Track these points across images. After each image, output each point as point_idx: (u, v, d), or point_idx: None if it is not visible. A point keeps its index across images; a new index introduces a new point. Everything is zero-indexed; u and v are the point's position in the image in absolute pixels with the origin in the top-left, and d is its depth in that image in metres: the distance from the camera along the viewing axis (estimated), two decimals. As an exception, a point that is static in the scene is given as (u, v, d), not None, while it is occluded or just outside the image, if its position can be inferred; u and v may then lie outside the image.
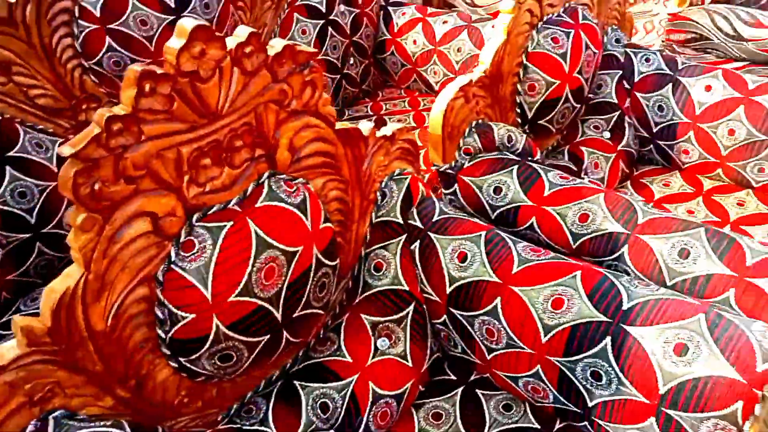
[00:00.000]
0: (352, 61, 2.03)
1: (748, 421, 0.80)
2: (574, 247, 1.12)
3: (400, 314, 1.03)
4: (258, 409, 0.91)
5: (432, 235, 1.04)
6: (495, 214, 1.20)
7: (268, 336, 0.83)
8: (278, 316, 0.83)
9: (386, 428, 1.01)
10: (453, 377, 1.11)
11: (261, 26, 1.81)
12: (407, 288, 1.04)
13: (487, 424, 1.02)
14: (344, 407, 0.96)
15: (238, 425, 0.88)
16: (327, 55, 1.92)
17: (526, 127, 1.41)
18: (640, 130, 1.67)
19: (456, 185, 1.23)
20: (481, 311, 0.98)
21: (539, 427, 1.01)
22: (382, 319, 1.03)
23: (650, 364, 0.84)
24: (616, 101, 1.62)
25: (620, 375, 0.86)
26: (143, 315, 0.74)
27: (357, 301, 1.04)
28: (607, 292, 0.90)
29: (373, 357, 1.01)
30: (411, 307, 1.04)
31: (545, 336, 0.92)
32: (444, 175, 1.24)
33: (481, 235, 1.03)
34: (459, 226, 1.05)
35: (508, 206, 1.18)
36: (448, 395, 1.08)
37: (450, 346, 1.09)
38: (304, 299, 0.86)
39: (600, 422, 0.92)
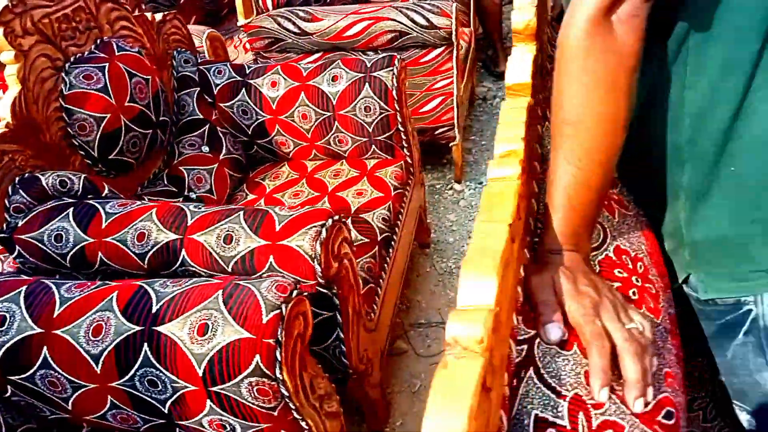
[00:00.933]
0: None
1: (276, 368, 0.91)
2: (146, 267, 1.15)
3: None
4: None
5: (-33, 309, 0.98)
6: (67, 260, 1.17)
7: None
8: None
9: None
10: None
11: None
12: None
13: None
14: None
15: None
16: None
17: (100, 165, 1.40)
18: (239, 136, 1.80)
19: (17, 247, 1.17)
20: (36, 367, 0.95)
21: None
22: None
23: (183, 352, 0.89)
24: (202, 116, 1.71)
25: (168, 374, 0.91)
26: None
27: None
28: (139, 302, 0.95)
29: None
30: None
31: (97, 366, 0.93)
32: (3, 242, 1.17)
33: (21, 291, 0.99)
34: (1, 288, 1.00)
35: (74, 250, 1.16)
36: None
37: (40, 412, 1.03)
38: None
39: (183, 423, 0.97)
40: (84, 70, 1.34)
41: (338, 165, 1.80)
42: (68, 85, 1.32)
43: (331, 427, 1.04)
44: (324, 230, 1.11)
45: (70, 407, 0.98)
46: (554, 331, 0.60)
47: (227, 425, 0.93)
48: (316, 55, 2.16)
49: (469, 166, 2.45)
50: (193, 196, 1.59)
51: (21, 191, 1.18)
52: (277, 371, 0.90)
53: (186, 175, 1.61)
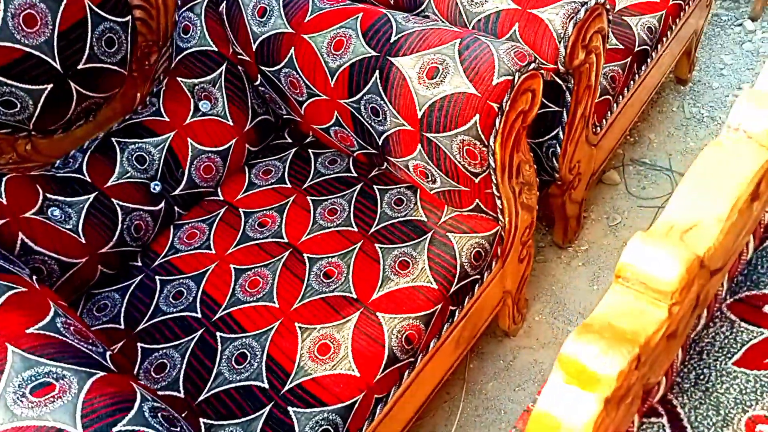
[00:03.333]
0: None
1: (491, 135, 0.87)
2: (392, 3, 1.13)
3: (213, 74, 1.08)
4: (74, 161, 1.00)
5: (236, -6, 1.06)
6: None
7: (52, 85, 0.89)
8: (56, 65, 0.88)
9: (214, 181, 1.11)
10: (289, 140, 1.20)
11: None
12: (216, 48, 1.08)
13: (310, 176, 1.12)
14: (162, 160, 1.05)
15: (52, 173, 0.97)
16: None
17: None
18: None
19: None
20: (282, 63, 1.03)
21: (356, 175, 1.10)
22: (197, 80, 1.08)
23: (409, 90, 0.89)
24: None
25: (390, 106, 0.93)
26: None
27: (173, 65, 1.08)
28: (380, 28, 0.94)
29: (193, 117, 1.08)
30: (223, 68, 1.09)
31: (332, 79, 0.98)
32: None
33: (281, -11, 1.04)
34: (262, -16, 1.06)
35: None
36: (281, 155, 1.17)
37: (277, 108, 1.16)
38: (86, 52, 0.91)
39: (391, 159, 1.01)
40: None
41: (618, -43, 1.53)
42: None
43: (522, 217, 1.02)
44: (583, 10, 0.97)
45: (302, 111, 1.08)
46: None
47: (429, 174, 0.95)
48: None
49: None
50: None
51: None
52: (491, 138, 0.87)
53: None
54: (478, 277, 1.01)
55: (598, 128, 1.22)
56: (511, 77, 0.84)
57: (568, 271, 1.39)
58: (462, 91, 0.85)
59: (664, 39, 1.35)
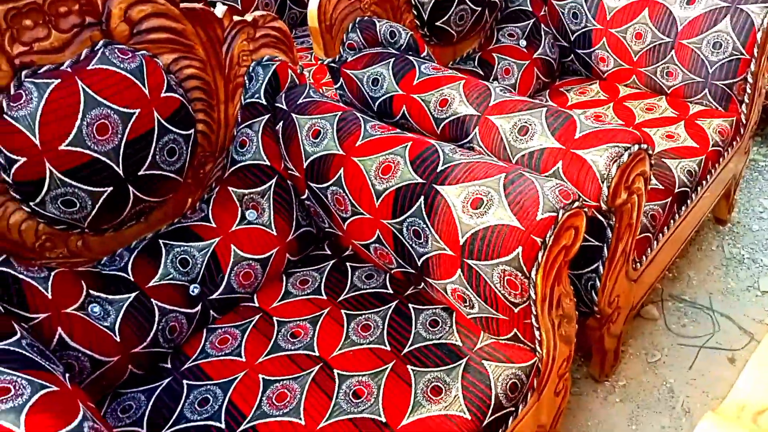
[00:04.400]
0: (299, -20, 2.08)
1: (533, 268, 0.88)
2: (438, 131, 1.19)
3: (263, 186, 1.13)
4: (121, 259, 1.03)
5: (294, 115, 1.13)
6: (375, 105, 1.27)
7: (112, 188, 0.94)
8: (119, 170, 0.93)
9: (252, 288, 1.13)
10: (328, 252, 1.22)
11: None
12: (269, 163, 1.13)
13: (346, 289, 1.13)
14: (204, 264, 1.07)
15: (98, 270, 1.00)
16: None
17: (426, 29, 1.45)
18: (559, 40, 1.70)
19: (341, 79, 1.30)
20: (330, 182, 1.07)
21: (392, 292, 1.11)
22: (247, 191, 1.13)
23: (452, 217, 0.92)
24: (530, 9, 1.64)
25: (432, 230, 0.95)
26: (-13, 159, 0.85)
27: (226, 175, 1.14)
28: (427, 158, 0.98)
29: (239, 225, 1.12)
30: (273, 181, 1.14)
31: (377, 200, 1.01)
32: (330, 69, 1.31)
33: (336, 114, 1.10)
34: (319, 107, 1.13)
35: (384, 96, 1.25)
36: (319, 266, 1.18)
37: (320, 221, 1.19)
38: (149, 160, 0.97)
39: (429, 280, 1.02)
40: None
41: (655, 99, 1.60)
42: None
43: (560, 349, 1.00)
44: (626, 154, 1.01)
45: (345, 227, 1.10)
46: None
47: (467, 300, 0.95)
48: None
49: (811, 154, 1.99)
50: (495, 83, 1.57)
51: (358, 31, 1.29)
52: (533, 271, 0.87)
53: (496, 62, 1.59)
54: (512, 409, 0.97)
55: (638, 264, 1.22)
56: (555, 213, 0.86)
57: (605, 407, 1.33)
58: (506, 224, 0.87)
59: (704, 182, 1.38)
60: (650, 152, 1.06)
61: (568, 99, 1.64)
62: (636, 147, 1.02)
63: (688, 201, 1.33)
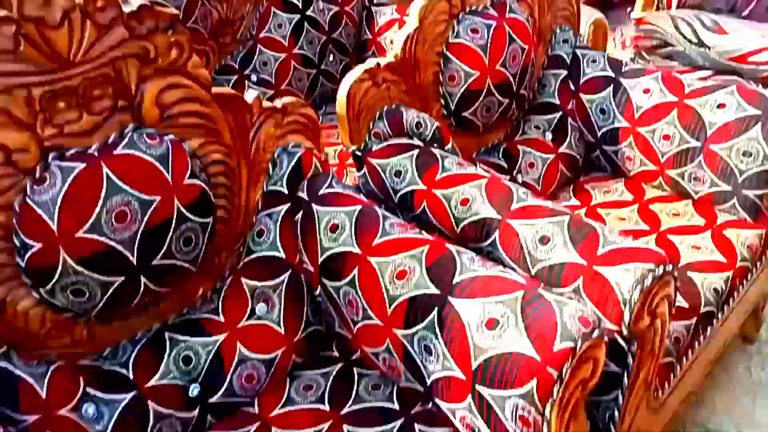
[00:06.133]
0: (331, 58, 2.11)
1: (548, 404, 0.83)
2: (457, 231, 1.17)
3: (276, 280, 1.10)
4: (124, 352, 1.00)
5: (314, 206, 1.11)
6: (397, 197, 1.26)
7: (123, 278, 0.92)
8: (133, 259, 0.92)
9: (253, 392, 1.08)
10: (336, 354, 1.17)
11: (238, 19, 1.93)
12: (284, 256, 1.11)
13: (350, 400, 1.07)
14: (207, 363, 1.03)
15: (98, 365, 0.97)
16: (302, 50, 2.01)
17: (452, 119, 1.45)
18: (586, 135, 1.69)
19: (365, 168, 1.30)
20: (344, 281, 1.05)
21: (398, 408, 1.04)
22: (260, 283, 1.10)
23: (466, 336, 0.88)
24: (558, 102, 1.64)
25: (444, 349, 0.91)
26: (3, 241, 0.85)
27: (240, 265, 1.12)
28: (444, 266, 0.95)
29: (248, 320, 1.08)
30: (286, 275, 1.11)
31: (390, 307, 0.98)
32: (355, 157, 1.31)
33: (356, 208, 1.09)
34: (340, 199, 1.11)
35: (406, 189, 1.23)
36: (325, 370, 1.13)
37: (330, 320, 1.15)
38: (164, 249, 0.95)
39: (437, 401, 0.96)
40: (472, 23, 1.39)
41: (682, 205, 1.56)
42: (455, 34, 1.38)
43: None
44: (651, 277, 0.97)
45: (354, 330, 1.07)
46: None
47: (476, 430, 0.90)
48: (706, 73, 1.88)
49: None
50: (520, 179, 1.56)
51: (385, 120, 1.29)
52: (548, 408, 0.83)
53: (521, 155, 1.58)
54: None
55: (660, 392, 1.16)
56: (573, 344, 0.82)
57: None
58: (520, 352, 0.83)
59: (731, 300, 1.33)
60: (676, 275, 1.02)
61: (593, 197, 1.62)
62: (661, 269, 0.98)
63: (714, 322, 1.28)
